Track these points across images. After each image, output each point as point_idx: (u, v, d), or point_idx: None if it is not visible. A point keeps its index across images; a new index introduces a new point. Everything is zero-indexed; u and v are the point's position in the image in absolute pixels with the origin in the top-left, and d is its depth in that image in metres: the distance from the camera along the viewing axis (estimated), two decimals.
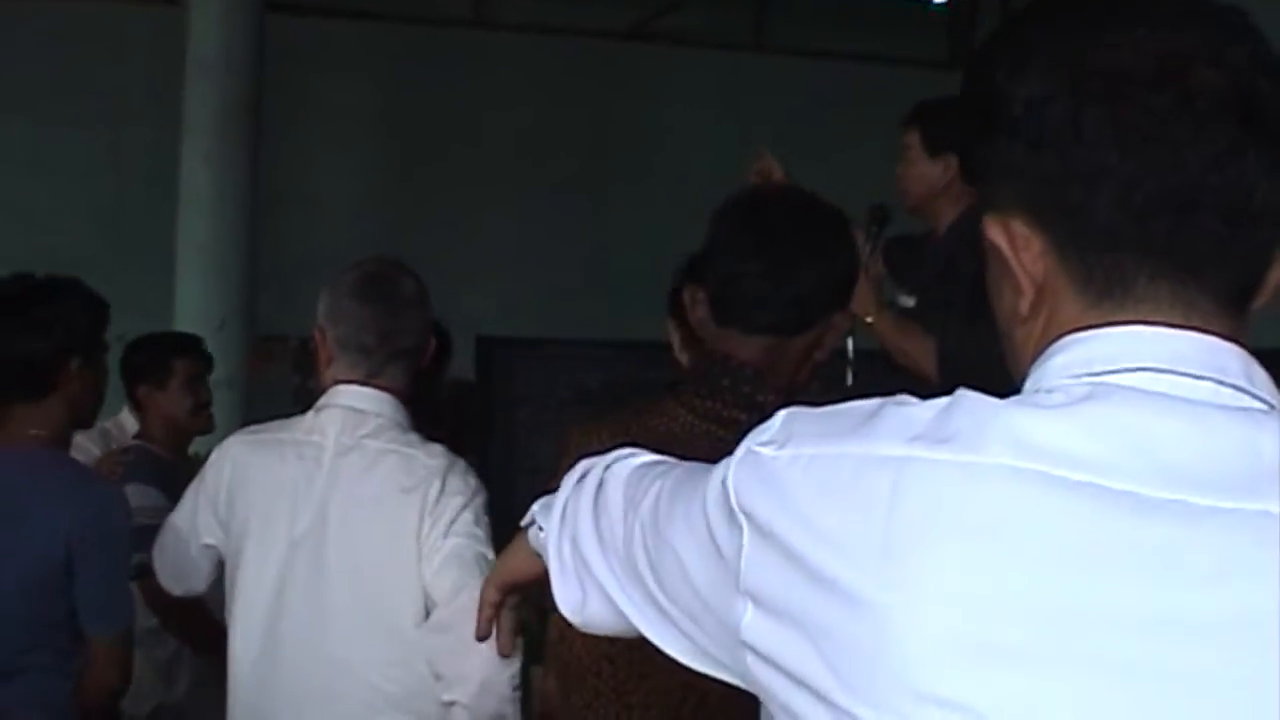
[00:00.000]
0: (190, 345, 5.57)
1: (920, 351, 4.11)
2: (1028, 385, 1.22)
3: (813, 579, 1.14)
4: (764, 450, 1.22)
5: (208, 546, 3.43)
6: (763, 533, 1.19)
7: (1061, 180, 1.18)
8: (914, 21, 12.32)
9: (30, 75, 9.97)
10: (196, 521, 3.44)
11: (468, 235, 10.25)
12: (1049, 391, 1.17)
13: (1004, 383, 1.26)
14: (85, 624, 3.66)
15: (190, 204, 8.80)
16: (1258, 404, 1.15)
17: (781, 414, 1.25)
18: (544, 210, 10.69)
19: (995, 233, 1.22)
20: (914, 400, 1.19)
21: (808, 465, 1.18)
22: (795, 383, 2.60)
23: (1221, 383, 1.15)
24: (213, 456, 3.47)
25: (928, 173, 4.55)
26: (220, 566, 3.47)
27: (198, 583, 3.56)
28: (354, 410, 3.28)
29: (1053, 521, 1.07)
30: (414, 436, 3.30)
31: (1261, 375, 1.17)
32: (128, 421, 5.57)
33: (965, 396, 1.16)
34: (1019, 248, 1.21)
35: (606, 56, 11.22)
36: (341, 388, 3.31)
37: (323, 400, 3.33)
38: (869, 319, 4.29)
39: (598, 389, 10.44)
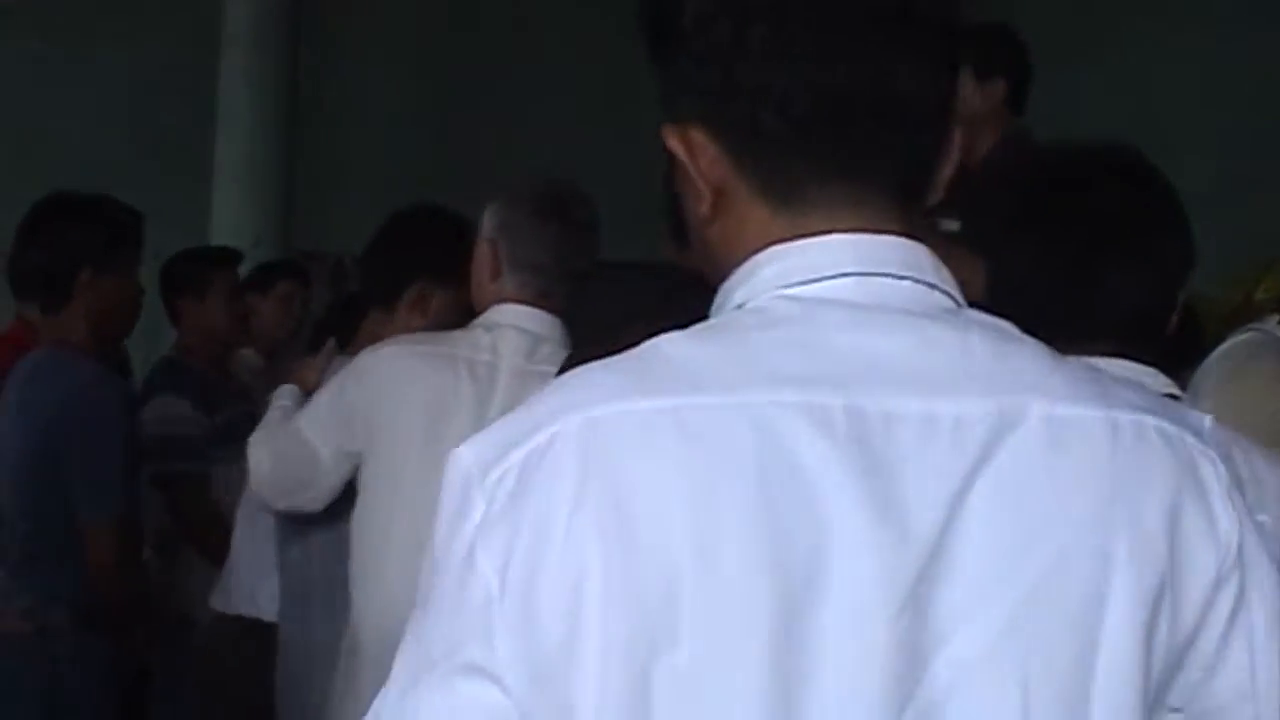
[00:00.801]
0: (228, 258, 5.61)
1: (969, 275, 4.07)
2: (738, 296, 1.27)
3: None
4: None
5: (348, 454, 3.27)
6: None
7: (728, 93, 1.24)
8: None
9: None
10: (335, 428, 3.28)
11: (513, 152, 10.16)
12: (759, 310, 1.24)
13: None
14: (77, 511, 3.76)
15: (227, 119, 8.82)
16: (947, 299, 1.25)
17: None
18: (594, 126, 10.59)
19: (673, 141, 1.28)
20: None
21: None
22: None
23: (919, 280, 1.24)
24: (361, 363, 3.30)
25: (973, 97, 4.51)
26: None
27: (311, 497, 3.38)
28: (528, 332, 3.19)
29: (860, 451, 1.16)
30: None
31: (946, 270, 1.27)
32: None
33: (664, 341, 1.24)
34: (695, 155, 1.27)
35: None
36: (511, 307, 3.21)
37: (491, 317, 3.23)
38: None
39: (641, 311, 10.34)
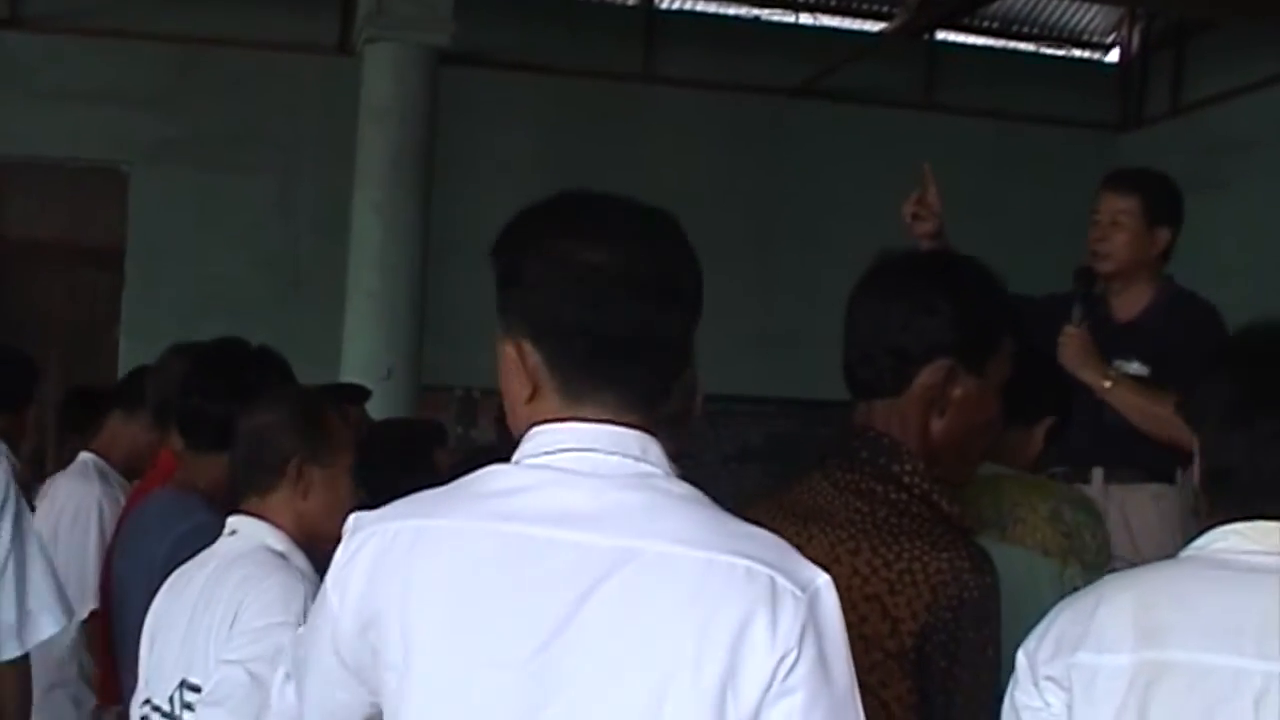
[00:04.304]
0: (359, 396, 5.63)
1: (1177, 420, 3.97)
2: (518, 455, 1.91)
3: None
4: None
5: None
6: None
7: (550, 326, 1.90)
8: (1086, 82, 12.19)
9: (204, 122, 10.15)
10: None
11: None
12: (518, 462, 1.90)
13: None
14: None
15: (360, 253, 8.94)
16: (650, 468, 1.88)
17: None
18: (709, 265, 10.63)
19: (509, 347, 1.94)
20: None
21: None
22: (932, 452, 2.50)
23: (625, 455, 1.87)
24: None
25: (1144, 241, 4.48)
26: None
27: None
28: None
29: (525, 560, 1.82)
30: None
31: (655, 450, 1.90)
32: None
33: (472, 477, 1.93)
34: (525, 358, 1.92)
35: (774, 112, 11.21)
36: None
37: None
38: (1106, 384, 4.19)
39: (760, 445, 10.37)
